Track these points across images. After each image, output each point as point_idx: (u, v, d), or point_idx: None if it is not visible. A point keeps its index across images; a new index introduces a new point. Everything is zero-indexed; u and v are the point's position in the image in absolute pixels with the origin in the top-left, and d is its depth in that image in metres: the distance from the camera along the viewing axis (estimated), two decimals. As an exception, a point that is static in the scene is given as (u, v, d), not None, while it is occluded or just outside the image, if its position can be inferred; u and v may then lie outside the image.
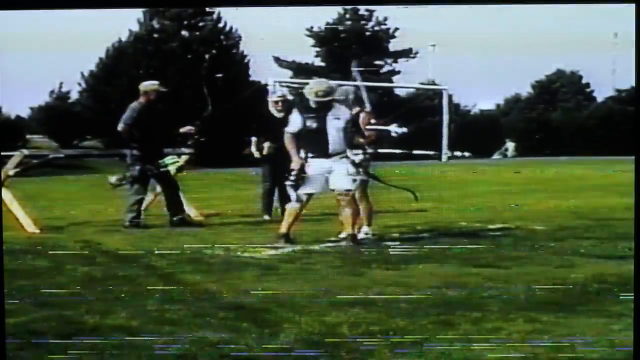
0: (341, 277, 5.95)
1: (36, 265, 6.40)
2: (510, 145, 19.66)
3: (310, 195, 7.26)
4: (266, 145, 8.91)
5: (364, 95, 7.50)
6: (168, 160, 8.55)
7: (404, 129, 7.21)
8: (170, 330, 4.54)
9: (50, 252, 6.91)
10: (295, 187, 7.15)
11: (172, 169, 8.62)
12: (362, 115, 7.46)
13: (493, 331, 4.48)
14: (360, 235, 7.40)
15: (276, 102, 9.07)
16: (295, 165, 7.16)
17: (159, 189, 9.45)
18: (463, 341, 4.31)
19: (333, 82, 7.41)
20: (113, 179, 8.71)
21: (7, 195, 8.10)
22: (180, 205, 8.65)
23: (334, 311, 4.89)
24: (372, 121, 7.36)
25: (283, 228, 7.23)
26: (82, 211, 9.78)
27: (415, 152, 7.34)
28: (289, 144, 7.24)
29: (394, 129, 7.19)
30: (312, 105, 7.20)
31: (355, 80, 8.14)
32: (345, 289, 5.44)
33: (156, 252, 6.84)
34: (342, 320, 4.71)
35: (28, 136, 18.09)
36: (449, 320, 4.67)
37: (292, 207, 7.26)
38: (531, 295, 5.24)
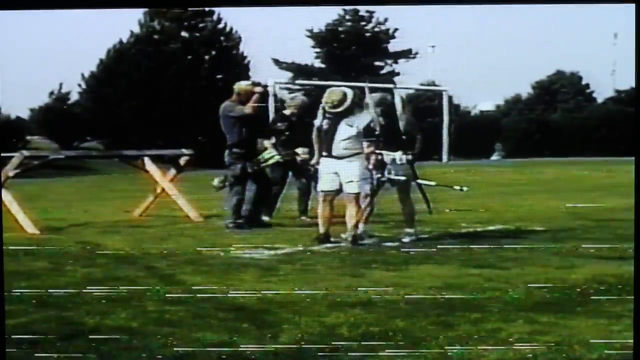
0: (341, 277, 5.95)
1: (36, 266, 6.40)
2: (497, 146, 19.67)
3: (327, 193, 7.34)
4: (301, 150, 8.71)
5: (377, 120, 7.51)
6: (266, 155, 8.47)
7: (409, 157, 7.33)
8: (170, 331, 4.54)
9: (50, 253, 6.92)
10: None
11: (271, 163, 8.53)
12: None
13: (493, 332, 4.48)
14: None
15: (292, 107, 8.98)
16: (313, 161, 7.61)
17: (158, 190, 9.46)
18: (463, 342, 4.31)
19: (349, 90, 7.41)
20: (216, 181, 8.63)
21: (7, 196, 8.10)
22: (273, 206, 8.67)
23: (334, 312, 4.89)
24: (376, 149, 7.38)
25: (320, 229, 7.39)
26: (82, 212, 9.79)
27: (419, 181, 7.53)
28: (313, 139, 7.53)
29: (400, 156, 7.29)
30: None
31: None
32: (345, 290, 5.45)
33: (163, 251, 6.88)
34: (341, 321, 4.71)
35: (28, 137, 18.08)
36: (449, 321, 4.68)
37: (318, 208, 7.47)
38: (531, 296, 5.24)
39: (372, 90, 7.80)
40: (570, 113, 19.56)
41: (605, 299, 5.09)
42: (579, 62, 19.40)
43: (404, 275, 6.01)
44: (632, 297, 4.31)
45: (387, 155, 7.33)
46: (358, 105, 7.42)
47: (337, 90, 7.38)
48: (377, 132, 7.30)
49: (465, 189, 7.61)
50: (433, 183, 7.51)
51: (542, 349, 4.20)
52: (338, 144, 7.29)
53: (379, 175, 7.34)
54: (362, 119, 7.31)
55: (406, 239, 7.46)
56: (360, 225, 7.45)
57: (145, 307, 5.03)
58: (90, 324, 4.69)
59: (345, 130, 7.28)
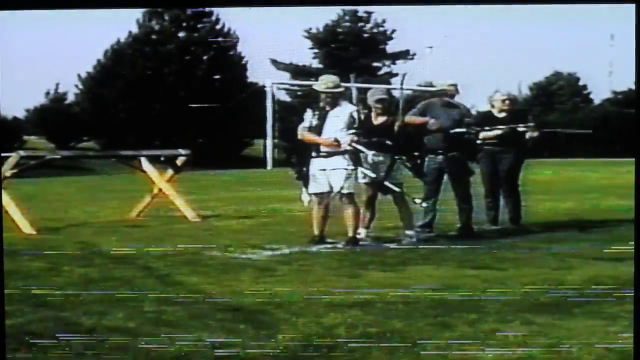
0: (338, 278, 5.95)
1: (33, 266, 6.39)
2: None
3: (320, 196, 7.28)
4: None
5: (358, 113, 7.50)
6: None
7: (380, 157, 7.29)
8: (168, 331, 4.54)
9: (47, 253, 6.91)
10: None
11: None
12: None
13: (490, 333, 4.48)
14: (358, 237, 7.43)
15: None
16: (325, 142, 7.23)
17: (155, 190, 9.44)
18: (460, 343, 4.32)
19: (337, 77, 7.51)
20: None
21: (4, 196, 8.08)
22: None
23: (331, 312, 4.89)
24: (355, 139, 7.34)
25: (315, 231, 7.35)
26: (79, 212, 9.77)
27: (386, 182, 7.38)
28: (308, 135, 7.33)
29: (372, 156, 7.24)
30: (321, 99, 7.31)
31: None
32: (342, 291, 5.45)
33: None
34: (339, 322, 4.71)
35: (25, 137, 18.09)
36: (446, 322, 4.68)
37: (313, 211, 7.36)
38: (528, 297, 5.24)
39: (362, 89, 7.82)
40: (568, 114, 19.59)
41: (603, 300, 5.10)
42: (576, 64, 19.44)
43: (401, 276, 6.01)
44: (631, 298, 4.32)
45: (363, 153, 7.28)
46: (344, 98, 7.46)
47: (328, 76, 7.50)
48: (356, 125, 7.30)
49: (425, 204, 7.56)
50: (398, 189, 7.44)
51: (539, 350, 4.20)
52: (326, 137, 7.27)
53: (374, 177, 7.31)
54: (345, 112, 7.32)
55: (406, 241, 7.45)
56: (361, 231, 7.47)
57: (142, 308, 5.03)
58: (88, 324, 4.69)
59: (334, 122, 7.26)
